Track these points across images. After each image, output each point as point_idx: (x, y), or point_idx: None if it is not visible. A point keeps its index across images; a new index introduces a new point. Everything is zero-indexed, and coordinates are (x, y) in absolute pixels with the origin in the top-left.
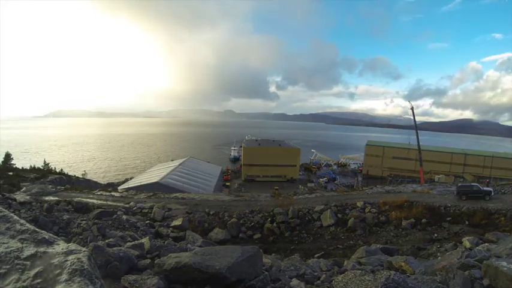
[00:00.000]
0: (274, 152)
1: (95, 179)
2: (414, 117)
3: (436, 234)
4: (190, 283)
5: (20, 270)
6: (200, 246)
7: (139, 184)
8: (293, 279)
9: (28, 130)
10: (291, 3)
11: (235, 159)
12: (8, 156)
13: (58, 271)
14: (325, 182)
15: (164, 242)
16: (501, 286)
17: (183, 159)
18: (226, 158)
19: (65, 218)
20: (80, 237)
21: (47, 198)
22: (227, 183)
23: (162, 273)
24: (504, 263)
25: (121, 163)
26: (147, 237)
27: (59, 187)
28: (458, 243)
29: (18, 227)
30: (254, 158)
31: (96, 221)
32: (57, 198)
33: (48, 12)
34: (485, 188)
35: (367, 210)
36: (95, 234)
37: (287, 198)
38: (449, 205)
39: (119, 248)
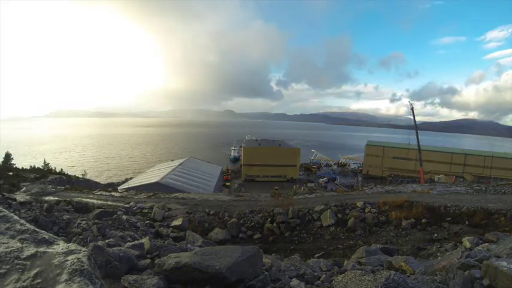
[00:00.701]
0: (274, 152)
1: (95, 179)
2: (414, 117)
3: (436, 234)
4: (190, 283)
5: (20, 270)
6: (200, 246)
7: (139, 184)
8: (293, 279)
9: (28, 130)
10: None
11: (235, 159)
12: (8, 156)
13: (58, 271)
14: (325, 182)
15: (164, 242)
16: (501, 286)
17: (183, 159)
18: (226, 158)
19: (65, 218)
20: (80, 237)
21: (47, 198)
22: (227, 183)
23: (162, 273)
24: (504, 263)
25: (121, 163)
26: (147, 237)
27: (59, 187)
28: (458, 243)
29: (18, 227)
30: (254, 158)
31: (96, 221)
32: (57, 198)
33: (41, 11)
34: None
35: (367, 210)
36: (95, 234)
37: (287, 198)
38: (449, 205)
39: (119, 248)
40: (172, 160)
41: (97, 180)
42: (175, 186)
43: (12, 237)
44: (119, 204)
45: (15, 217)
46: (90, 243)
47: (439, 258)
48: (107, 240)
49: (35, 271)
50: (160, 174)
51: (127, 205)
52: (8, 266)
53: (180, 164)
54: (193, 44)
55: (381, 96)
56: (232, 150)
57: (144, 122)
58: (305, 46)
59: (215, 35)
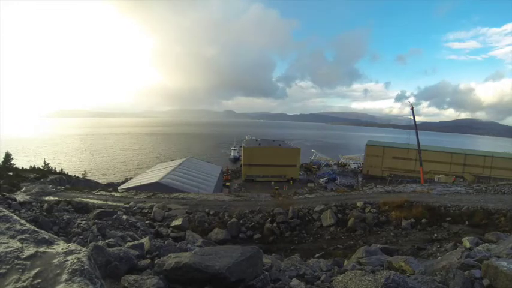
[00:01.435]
0: (275, 152)
1: (95, 179)
2: (414, 117)
3: (436, 234)
4: (190, 283)
5: (20, 270)
6: (200, 246)
7: (139, 184)
8: (293, 279)
9: (28, 130)
10: None
11: (235, 159)
12: (8, 156)
13: (58, 271)
14: (325, 182)
15: (164, 242)
16: (501, 286)
17: (183, 159)
18: (226, 158)
19: (65, 218)
20: (80, 237)
21: (47, 198)
22: (227, 183)
23: (162, 273)
24: (504, 263)
25: (121, 163)
26: (147, 237)
27: (59, 187)
28: (458, 243)
29: (18, 227)
30: (254, 158)
31: (96, 221)
32: (57, 198)
33: (33, 12)
34: None
35: (367, 210)
36: (95, 234)
37: (287, 198)
38: (449, 205)
39: (119, 248)
40: (172, 160)
41: (97, 180)
42: (175, 186)
43: (12, 237)
44: (119, 204)
45: (15, 217)
46: (90, 243)
47: (439, 258)
48: (107, 240)
49: (35, 271)
50: (160, 174)
51: (127, 205)
52: (8, 266)
53: (180, 164)
54: (190, 37)
55: (389, 95)
56: (232, 150)
57: (144, 121)
58: (312, 38)
59: (212, 24)
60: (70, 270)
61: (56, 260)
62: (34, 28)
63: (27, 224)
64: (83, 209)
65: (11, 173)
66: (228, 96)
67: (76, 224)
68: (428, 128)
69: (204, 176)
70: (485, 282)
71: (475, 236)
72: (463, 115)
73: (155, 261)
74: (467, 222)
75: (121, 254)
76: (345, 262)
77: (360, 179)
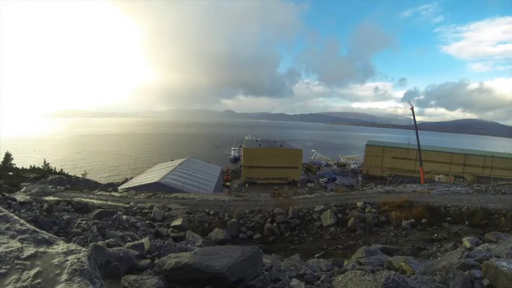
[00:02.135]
0: (276, 153)
1: (95, 179)
2: (414, 117)
3: (436, 234)
4: (190, 283)
5: (20, 270)
6: (200, 246)
7: (139, 184)
8: (293, 279)
9: (28, 131)
10: None
11: (235, 159)
12: (8, 156)
13: (58, 271)
14: (325, 182)
15: (164, 242)
16: (501, 286)
17: (183, 159)
18: (226, 158)
19: (65, 218)
20: (80, 237)
21: (47, 198)
22: (227, 183)
23: (162, 273)
24: (504, 263)
25: (121, 163)
26: (147, 237)
27: (59, 187)
28: (458, 243)
29: (18, 227)
30: (254, 160)
31: (96, 221)
32: (57, 198)
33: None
34: None
35: (367, 210)
36: (95, 234)
37: (287, 198)
38: (449, 205)
39: (119, 248)
40: (172, 160)
41: (97, 180)
42: (175, 186)
43: (12, 237)
44: (119, 204)
45: (15, 217)
46: (90, 243)
47: (439, 258)
48: (107, 240)
49: (35, 271)
50: (160, 174)
51: (127, 205)
52: (8, 266)
53: (180, 164)
54: (187, 30)
55: (394, 95)
56: (232, 150)
57: (144, 121)
58: (324, 25)
59: (212, 13)
60: (70, 270)
61: (56, 260)
62: (33, 28)
63: (27, 224)
64: (83, 209)
65: (11, 173)
66: (228, 95)
67: (76, 224)
68: (429, 128)
69: (204, 176)
70: (485, 282)
71: (475, 236)
72: (468, 115)
73: (155, 261)
74: (467, 222)
75: (121, 254)
76: (345, 262)
77: (360, 179)
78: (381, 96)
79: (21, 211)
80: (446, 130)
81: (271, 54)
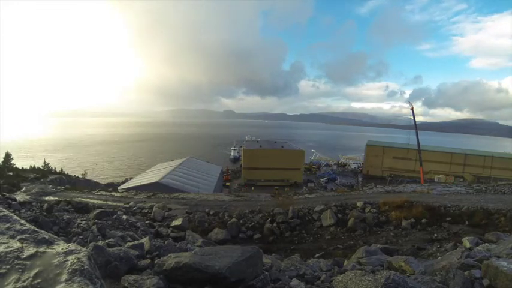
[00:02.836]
0: (277, 155)
1: (95, 179)
2: (414, 118)
3: (436, 234)
4: (190, 283)
5: (20, 270)
6: (200, 246)
7: (139, 184)
8: (293, 279)
9: (28, 130)
10: None
11: (235, 159)
12: (8, 156)
13: (58, 271)
14: (325, 182)
15: (164, 242)
16: (501, 286)
17: (183, 159)
18: (226, 158)
19: (65, 218)
20: (80, 237)
21: (47, 198)
22: (227, 183)
23: (162, 273)
24: (504, 263)
25: (121, 163)
26: (147, 237)
27: (59, 187)
28: (458, 243)
29: (18, 227)
30: (255, 161)
31: (96, 221)
32: (57, 198)
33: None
34: None
35: (367, 210)
36: (95, 234)
37: (287, 198)
38: (449, 205)
39: (119, 248)
40: (172, 160)
41: (97, 180)
42: (175, 186)
43: (12, 237)
44: (119, 204)
45: (15, 217)
46: (90, 243)
47: (439, 258)
48: (107, 240)
49: (35, 271)
50: (160, 174)
51: (127, 205)
52: (8, 266)
53: (180, 164)
54: (184, 24)
55: (408, 93)
56: (232, 150)
57: (144, 122)
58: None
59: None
60: (70, 270)
61: (56, 260)
62: (32, 28)
63: (27, 224)
64: (83, 209)
65: (11, 173)
66: (229, 93)
67: (76, 224)
68: (430, 128)
69: (204, 176)
70: (485, 282)
71: (475, 236)
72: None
73: (155, 261)
74: (467, 222)
75: (121, 254)
76: (345, 262)
77: (360, 179)
78: (388, 96)
79: (21, 211)
80: (447, 130)
81: (275, 48)
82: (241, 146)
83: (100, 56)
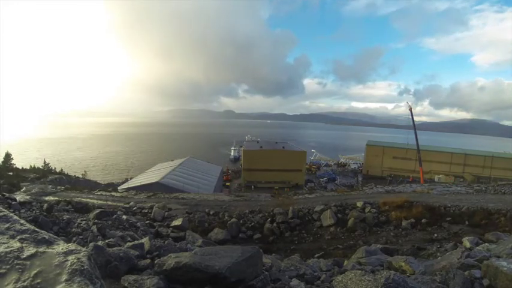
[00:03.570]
0: (278, 156)
1: (95, 179)
2: (413, 118)
3: (436, 234)
4: (190, 283)
5: (20, 270)
6: (200, 246)
7: (139, 184)
8: (293, 279)
9: (28, 130)
10: None
11: (235, 159)
12: (8, 156)
13: (58, 271)
14: (325, 182)
15: (164, 242)
16: (501, 286)
17: (183, 159)
18: (226, 158)
19: (65, 218)
20: (80, 237)
21: (47, 198)
22: (227, 183)
23: (162, 273)
24: (504, 263)
25: (121, 163)
26: (147, 237)
27: (59, 187)
28: (458, 243)
29: (18, 226)
30: (255, 162)
31: (96, 221)
32: (57, 198)
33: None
34: None
35: (367, 210)
36: (95, 234)
37: (287, 198)
38: (449, 205)
39: (119, 248)
40: (172, 160)
41: (97, 180)
42: (175, 186)
43: (12, 237)
44: (119, 204)
45: (15, 217)
46: (90, 243)
47: (439, 258)
48: (107, 240)
49: (35, 271)
50: (160, 174)
51: (127, 205)
52: (8, 266)
53: (180, 164)
54: (182, 20)
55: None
56: (232, 150)
57: (143, 122)
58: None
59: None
60: (70, 270)
61: (56, 260)
62: (31, 28)
63: (27, 224)
64: (83, 209)
65: (11, 173)
66: (229, 92)
67: (76, 224)
68: (429, 128)
69: (204, 176)
70: (485, 282)
71: (475, 236)
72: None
73: (155, 261)
74: (467, 222)
75: (121, 254)
76: (345, 262)
77: (360, 179)
78: (393, 96)
79: (21, 211)
80: (447, 130)
81: (282, 41)
82: (241, 146)
83: (99, 56)
